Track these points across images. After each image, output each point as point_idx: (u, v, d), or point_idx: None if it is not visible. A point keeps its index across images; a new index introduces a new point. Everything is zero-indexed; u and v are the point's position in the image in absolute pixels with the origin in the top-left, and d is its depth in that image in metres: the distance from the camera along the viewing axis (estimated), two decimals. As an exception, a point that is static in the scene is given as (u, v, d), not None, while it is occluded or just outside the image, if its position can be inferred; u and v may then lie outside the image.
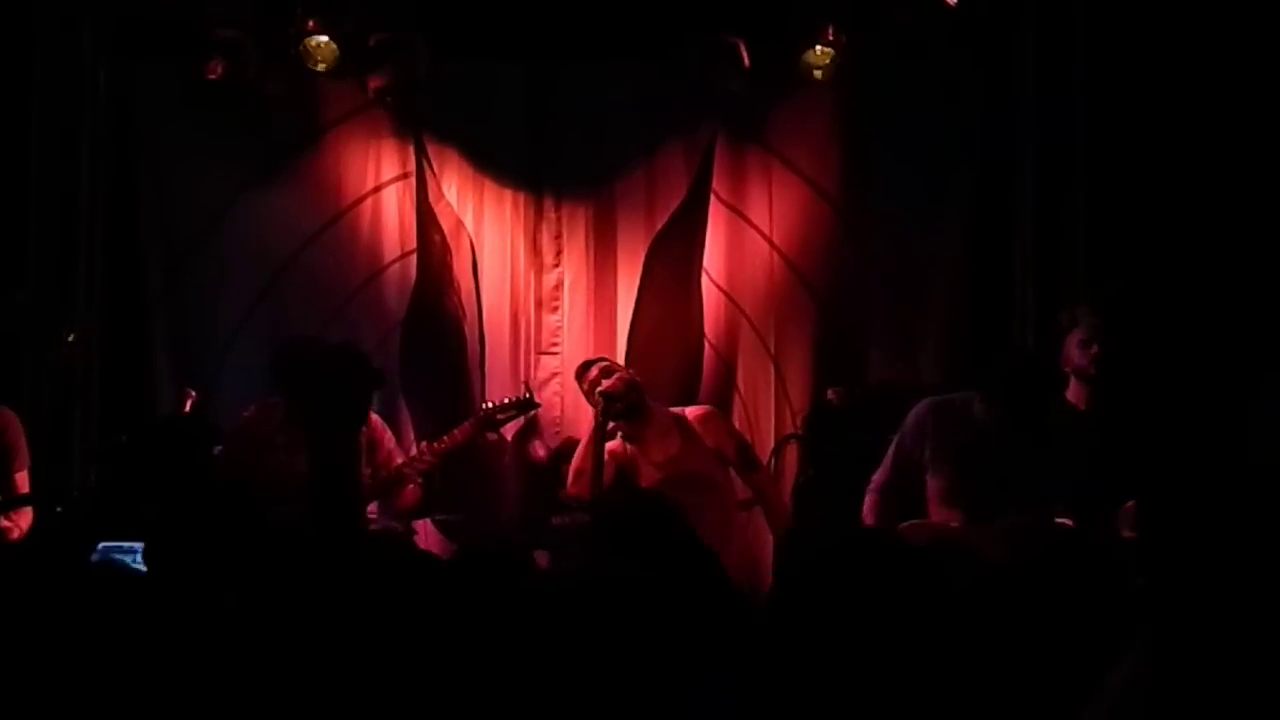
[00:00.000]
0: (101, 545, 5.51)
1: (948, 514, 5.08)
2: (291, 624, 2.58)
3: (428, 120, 7.23)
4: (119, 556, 5.34)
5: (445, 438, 6.18)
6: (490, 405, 6.32)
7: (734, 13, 6.85)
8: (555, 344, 7.19)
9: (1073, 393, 5.60)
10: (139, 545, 5.21)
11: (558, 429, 7.06)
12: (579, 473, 6.14)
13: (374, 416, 6.26)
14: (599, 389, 6.09)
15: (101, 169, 6.94)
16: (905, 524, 5.06)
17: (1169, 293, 6.37)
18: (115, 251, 7.02)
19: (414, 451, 6.34)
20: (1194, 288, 6.45)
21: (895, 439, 5.28)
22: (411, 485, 6.06)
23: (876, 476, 5.33)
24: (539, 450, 7.04)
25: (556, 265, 7.26)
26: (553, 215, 7.27)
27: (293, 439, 5.96)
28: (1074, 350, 5.55)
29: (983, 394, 5.14)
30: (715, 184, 7.29)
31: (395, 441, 6.27)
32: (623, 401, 6.11)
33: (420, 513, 6.15)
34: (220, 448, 6.06)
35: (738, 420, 7.06)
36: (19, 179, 6.67)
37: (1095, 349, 5.49)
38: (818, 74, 6.96)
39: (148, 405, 6.95)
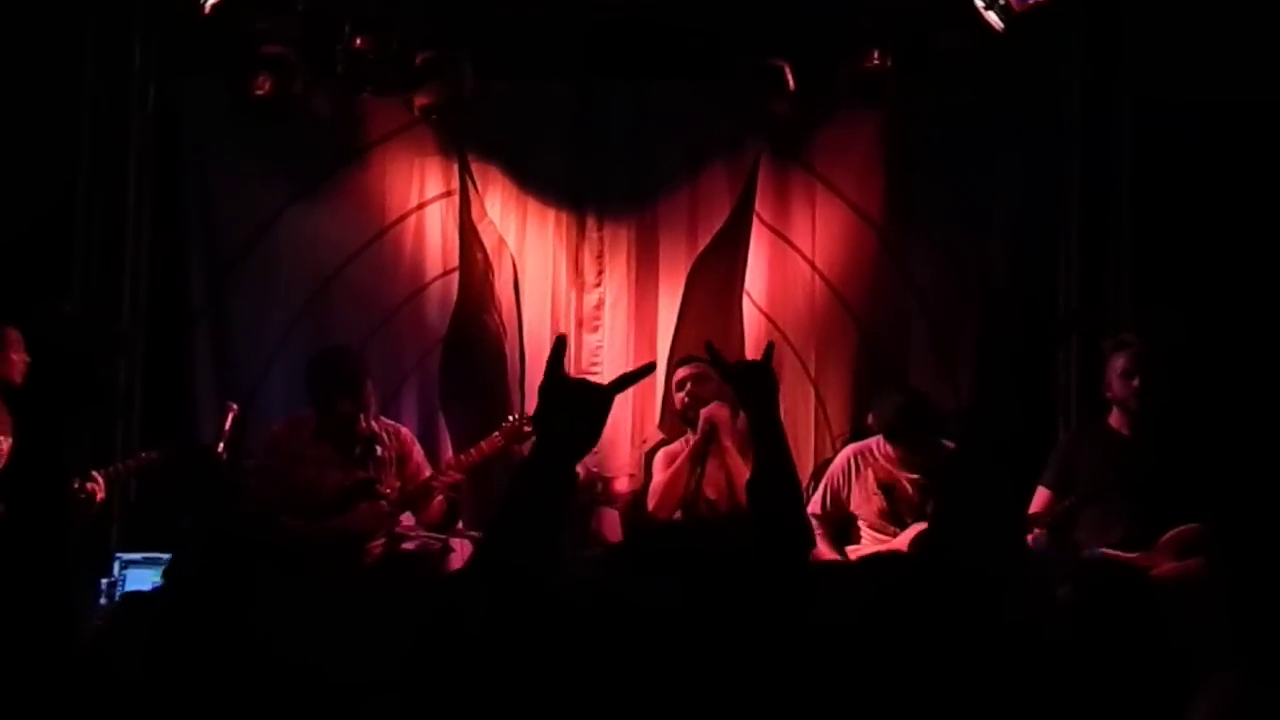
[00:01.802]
0: (123, 556, 5.60)
1: (881, 533, 6.07)
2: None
3: (472, 138, 7.26)
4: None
5: (472, 450, 6.19)
6: (517, 418, 6.30)
7: (780, 35, 6.84)
8: (595, 363, 7.18)
9: (1115, 419, 5.61)
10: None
11: (595, 449, 7.03)
12: (669, 491, 6.16)
13: (403, 429, 6.30)
14: (704, 412, 6.17)
15: (149, 183, 6.99)
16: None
17: (1212, 319, 6.34)
18: (161, 265, 7.07)
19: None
20: (1238, 312, 6.41)
21: (825, 479, 6.30)
22: (439, 498, 6.07)
23: (810, 508, 6.13)
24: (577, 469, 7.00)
25: (598, 284, 7.27)
26: (595, 234, 7.28)
27: (322, 452, 6.01)
28: (1115, 380, 5.59)
29: (882, 434, 6.18)
30: (758, 206, 7.28)
31: (424, 455, 6.29)
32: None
33: (446, 525, 6.14)
34: (251, 460, 6.11)
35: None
36: (67, 191, 6.73)
37: (1137, 382, 5.50)
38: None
39: (189, 418, 7.00)
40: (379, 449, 6.06)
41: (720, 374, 3.19)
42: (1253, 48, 6.35)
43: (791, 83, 6.82)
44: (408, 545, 6.07)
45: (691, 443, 6.31)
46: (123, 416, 6.79)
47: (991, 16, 6.41)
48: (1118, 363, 5.61)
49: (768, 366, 3.11)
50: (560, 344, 2.56)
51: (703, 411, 6.20)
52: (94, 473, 5.62)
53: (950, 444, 6.10)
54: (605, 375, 7.01)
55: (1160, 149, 6.60)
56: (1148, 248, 6.68)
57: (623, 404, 6.44)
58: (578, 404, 2.45)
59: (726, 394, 6.19)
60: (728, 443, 6.20)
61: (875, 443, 6.26)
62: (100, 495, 5.64)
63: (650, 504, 6.30)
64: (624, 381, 2.60)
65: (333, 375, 6.06)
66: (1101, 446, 5.63)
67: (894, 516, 6.08)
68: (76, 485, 5.50)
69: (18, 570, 2.65)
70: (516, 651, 2.25)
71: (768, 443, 3.02)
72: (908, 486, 6.10)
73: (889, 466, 6.14)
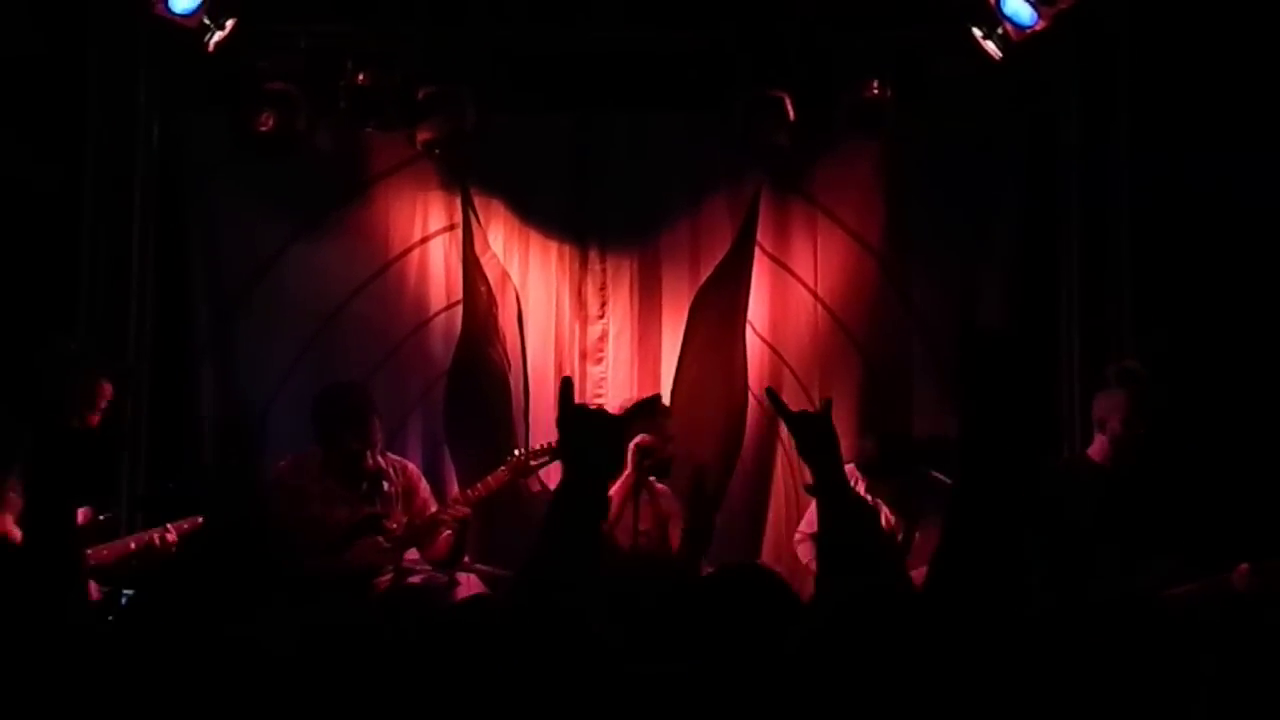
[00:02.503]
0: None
1: None
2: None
3: (475, 172, 7.28)
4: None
5: (479, 484, 6.20)
6: (523, 451, 6.33)
7: (779, 67, 6.87)
8: (599, 395, 7.18)
9: (1097, 450, 5.54)
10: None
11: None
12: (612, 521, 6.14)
13: (409, 465, 6.30)
14: (635, 440, 6.14)
15: (153, 219, 7.01)
16: None
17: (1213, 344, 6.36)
18: (165, 301, 7.08)
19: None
20: (1238, 336, 6.42)
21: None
22: (446, 533, 6.07)
23: (803, 527, 6.42)
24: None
25: (601, 317, 7.28)
26: (598, 267, 7.30)
27: (328, 490, 6.01)
28: (1114, 418, 5.45)
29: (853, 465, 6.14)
30: (760, 236, 7.30)
31: (431, 490, 6.29)
32: (652, 459, 6.22)
33: (452, 560, 6.13)
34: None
35: (780, 472, 7.09)
36: (72, 228, 6.76)
37: (1140, 430, 5.42)
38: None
39: (194, 453, 7.00)
40: (386, 484, 6.06)
41: (783, 421, 3.19)
42: (1251, 78, 6.38)
43: (791, 113, 6.84)
44: (414, 579, 6.07)
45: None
46: (128, 451, 6.80)
47: (989, 46, 6.44)
48: (1120, 402, 5.47)
49: (827, 419, 3.09)
50: (567, 384, 2.65)
51: (636, 444, 6.16)
52: (169, 525, 5.63)
53: (937, 475, 6.16)
54: (609, 407, 7.03)
55: (1160, 175, 6.63)
56: (1148, 275, 6.69)
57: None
58: (596, 432, 2.51)
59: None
60: (661, 485, 6.39)
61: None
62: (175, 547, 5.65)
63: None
64: (635, 411, 2.67)
65: (339, 411, 6.08)
66: (1084, 483, 5.52)
67: None
68: (157, 537, 5.51)
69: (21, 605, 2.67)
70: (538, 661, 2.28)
71: (835, 499, 2.98)
72: (888, 515, 6.15)
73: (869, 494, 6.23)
